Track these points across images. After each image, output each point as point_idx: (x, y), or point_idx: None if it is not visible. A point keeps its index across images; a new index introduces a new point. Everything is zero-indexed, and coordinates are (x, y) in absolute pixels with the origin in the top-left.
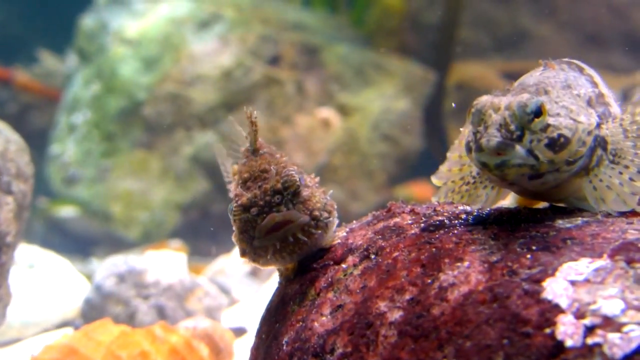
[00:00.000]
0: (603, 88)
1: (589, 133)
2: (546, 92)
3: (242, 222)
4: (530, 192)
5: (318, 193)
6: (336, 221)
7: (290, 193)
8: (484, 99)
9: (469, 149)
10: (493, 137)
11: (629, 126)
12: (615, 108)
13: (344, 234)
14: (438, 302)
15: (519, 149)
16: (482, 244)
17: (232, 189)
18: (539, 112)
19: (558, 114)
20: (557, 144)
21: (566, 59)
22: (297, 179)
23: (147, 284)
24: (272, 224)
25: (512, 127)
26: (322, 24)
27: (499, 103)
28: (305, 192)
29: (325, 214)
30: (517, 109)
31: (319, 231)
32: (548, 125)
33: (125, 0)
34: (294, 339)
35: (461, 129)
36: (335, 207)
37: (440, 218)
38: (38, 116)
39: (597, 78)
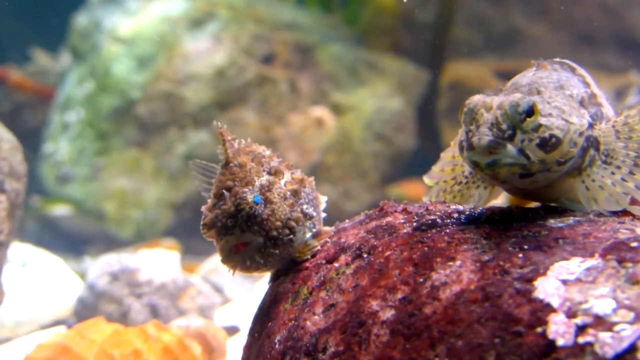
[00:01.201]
0: (595, 88)
1: (581, 134)
2: (539, 92)
3: (210, 238)
4: (522, 191)
5: (282, 209)
6: (312, 227)
7: (244, 215)
8: (476, 98)
9: (461, 148)
10: (484, 136)
11: (621, 127)
12: (607, 108)
13: (319, 247)
14: (430, 301)
15: (510, 148)
16: (474, 243)
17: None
18: (530, 111)
19: (550, 114)
20: (548, 144)
21: (558, 59)
22: (250, 201)
23: (140, 283)
24: (229, 247)
25: (504, 126)
26: (316, 23)
27: (491, 102)
28: (265, 210)
29: (286, 232)
30: (509, 108)
31: (278, 250)
32: (540, 125)
33: None
34: (287, 337)
35: (460, 131)
36: (311, 214)
37: (432, 217)
38: (31, 115)
39: (589, 79)
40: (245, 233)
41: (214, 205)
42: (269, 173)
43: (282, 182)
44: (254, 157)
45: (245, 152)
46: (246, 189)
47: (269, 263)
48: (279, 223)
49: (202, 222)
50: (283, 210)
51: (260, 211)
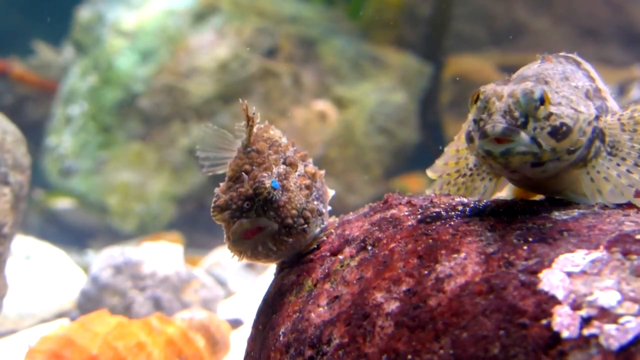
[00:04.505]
0: (600, 83)
1: (589, 123)
2: (546, 83)
3: (221, 221)
4: (528, 183)
5: (298, 198)
6: (321, 223)
7: (261, 199)
8: (489, 87)
9: (470, 139)
10: (498, 124)
11: (627, 121)
12: (611, 103)
13: (325, 238)
14: (435, 293)
15: (524, 135)
16: (479, 235)
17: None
18: (542, 99)
19: (560, 103)
20: (559, 132)
21: (563, 54)
22: (268, 186)
23: (144, 276)
24: (241, 230)
25: (517, 113)
26: (319, 17)
27: (502, 91)
28: (282, 197)
29: (301, 221)
30: (522, 96)
31: (291, 239)
32: (551, 114)
33: None
34: (291, 329)
35: (463, 125)
36: (321, 211)
37: (436, 210)
38: (34, 108)
39: (594, 73)
40: (260, 217)
41: (228, 188)
42: (284, 163)
43: (296, 174)
44: (271, 144)
45: (263, 139)
46: (265, 174)
47: (280, 252)
48: (294, 211)
49: (214, 204)
50: (299, 200)
51: (277, 197)
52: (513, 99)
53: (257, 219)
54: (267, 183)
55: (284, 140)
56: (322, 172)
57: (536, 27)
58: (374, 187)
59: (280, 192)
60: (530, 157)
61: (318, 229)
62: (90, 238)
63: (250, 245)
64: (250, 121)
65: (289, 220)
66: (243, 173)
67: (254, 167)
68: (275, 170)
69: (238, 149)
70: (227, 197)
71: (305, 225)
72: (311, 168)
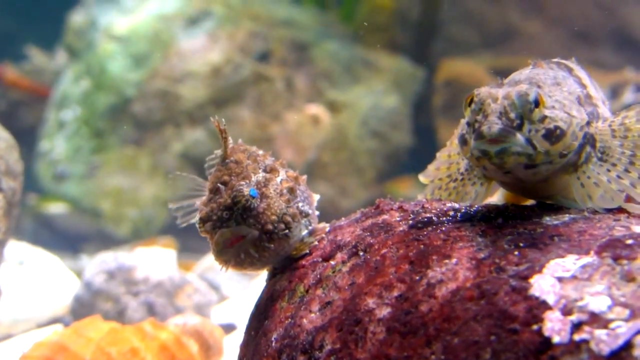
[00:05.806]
0: (591, 90)
1: (581, 128)
2: (539, 87)
3: (205, 233)
4: (520, 187)
5: (277, 203)
6: (307, 224)
7: (240, 208)
8: (483, 90)
9: (463, 141)
10: (495, 124)
11: (617, 127)
12: (603, 109)
13: (316, 243)
14: (426, 299)
15: (519, 137)
16: (470, 240)
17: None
18: (537, 102)
19: (553, 107)
20: (553, 135)
21: (556, 60)
22: (246, 194)
23: (137, 281)
24: (223, 240)
25: (512, 115)
26: (312, 21)
27: (497, 93)
28: (261, 204)
29: (282, 226)
30: (517, 98)
31: (273, 245)
32: (545, 117)
33: None
34: (283, 335)
35: (455, 130)
36: (307, 212)
37: (428, 215)
38: (27, 113)
39: (587, 80)
40: (240, 226)
41: (209, 200)
42: (265, 170)
43: (278, 179)
44: (249, 155)
45: (241, 150)
46: (242, 182)
47: (264, 258)
48: (274, 217)
49: (198, 217)
50: (279, 205)
51: (256, 204)
52: (508, 101)
53: (237, 228)
54: (245, 191)
55: (261, 152)
56: (304, 177)
57: (528, 30)
58: (367, 190)
59: (259, 200)
60: (524, 159)
61: (305, 231)
62: (83, 243)
63: (232, 253)
64: (223, 134)
65: (269, 226)
66: (220, 185)
67: (232, 178)
68: (254, 178)
69: (217, 163)
70: (208, 209)
71: (287, 230)
72: (292, 172)
